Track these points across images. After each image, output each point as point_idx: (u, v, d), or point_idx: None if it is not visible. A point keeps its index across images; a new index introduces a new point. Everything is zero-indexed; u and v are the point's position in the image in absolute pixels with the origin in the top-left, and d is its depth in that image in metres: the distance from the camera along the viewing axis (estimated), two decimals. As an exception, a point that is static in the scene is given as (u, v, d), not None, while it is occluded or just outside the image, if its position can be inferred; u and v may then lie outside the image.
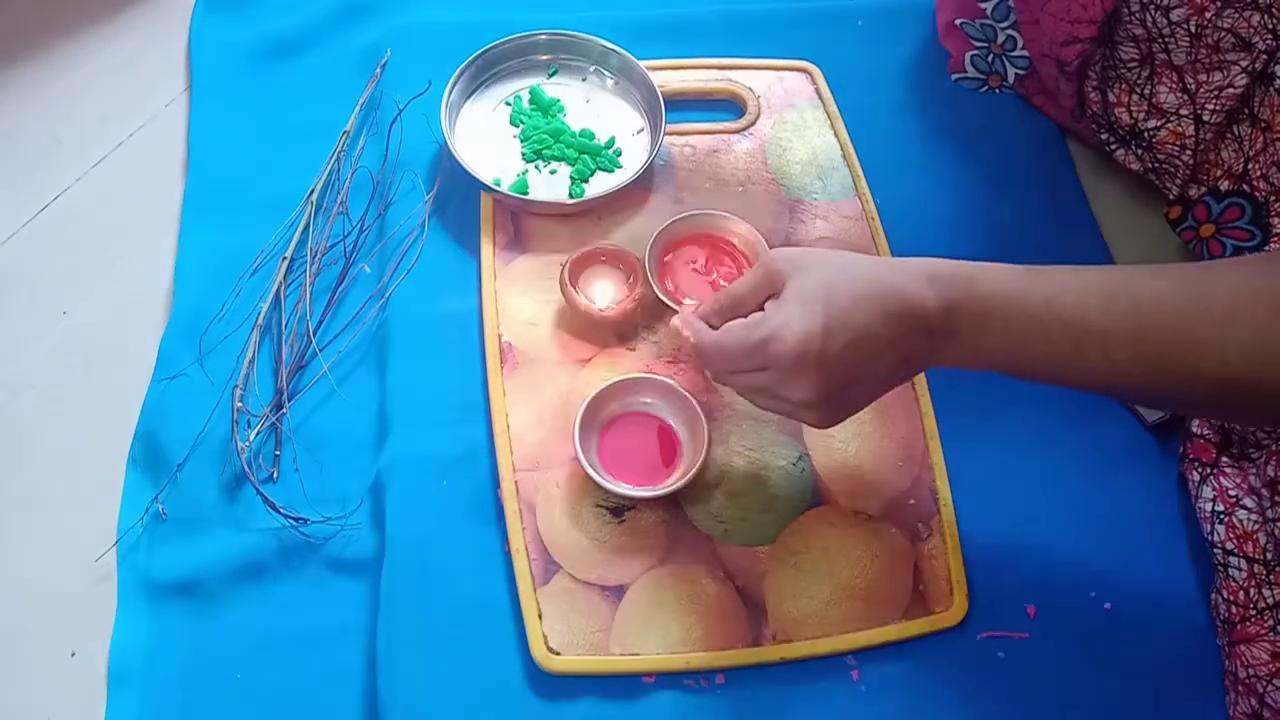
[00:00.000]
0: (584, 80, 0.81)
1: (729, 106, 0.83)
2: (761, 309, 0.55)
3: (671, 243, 0.72)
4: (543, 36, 0.80)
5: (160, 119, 0.82)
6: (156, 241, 0.75)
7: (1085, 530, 0.66)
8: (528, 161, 0.76)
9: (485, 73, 0.80)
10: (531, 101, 0.79)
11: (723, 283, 0.71)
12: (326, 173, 0.76)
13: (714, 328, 0.58)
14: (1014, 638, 0.62)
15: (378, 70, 0.81)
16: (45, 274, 0.74)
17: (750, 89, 0.82)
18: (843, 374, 0.53)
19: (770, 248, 0.73)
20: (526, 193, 0.74)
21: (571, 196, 0.74)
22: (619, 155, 0.77)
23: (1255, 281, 0.48)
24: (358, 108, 0.79)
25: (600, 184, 0.75)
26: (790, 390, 0.53)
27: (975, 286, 0.51)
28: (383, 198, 0.76)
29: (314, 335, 0.69)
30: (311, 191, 0.75)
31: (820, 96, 0.83)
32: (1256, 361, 0.46)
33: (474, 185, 0.74)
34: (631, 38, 0.81)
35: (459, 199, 0.75)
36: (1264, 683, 0.57)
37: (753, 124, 0.81)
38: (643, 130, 0.78)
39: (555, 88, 0.80)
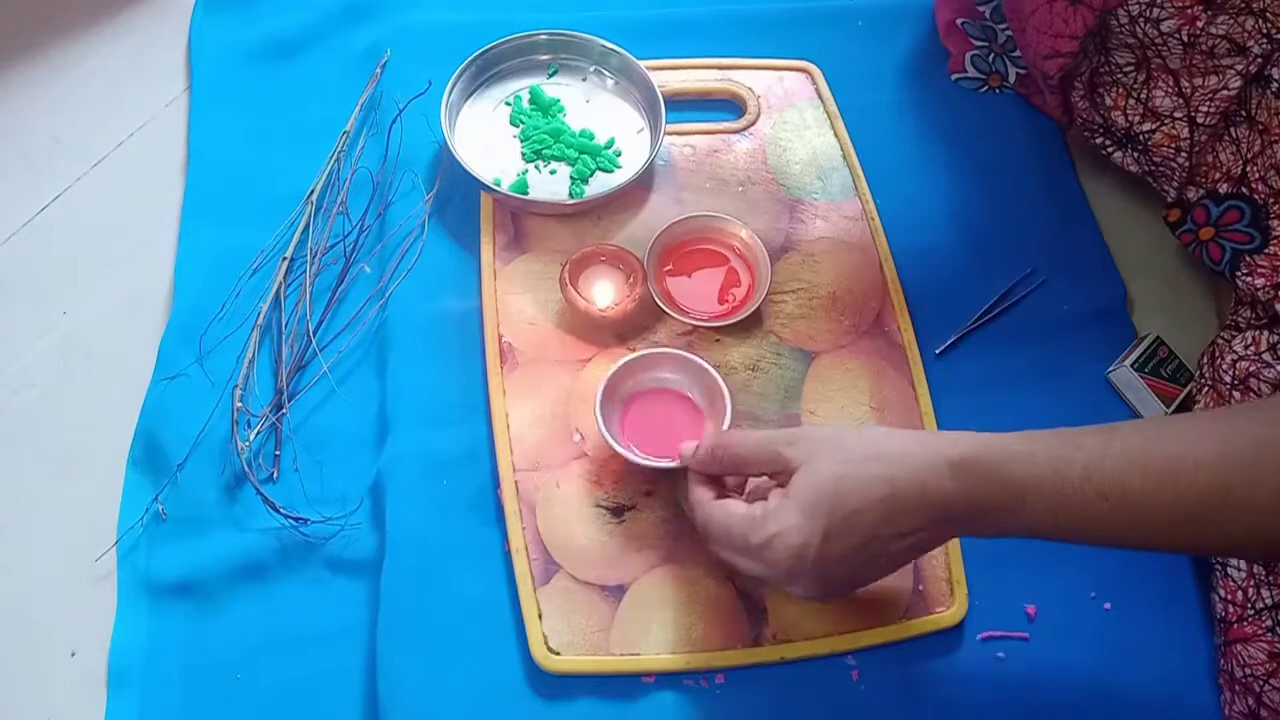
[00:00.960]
0: (584, 80, 0.81)
1: (729, 106, 0.83)
2: (766, 485, 0.55)
3: (672, 246, 0.72)
4: (543, 36, 0.80)
5: (160, 119, 0.82)
6: (156, 241, 0.75)
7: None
8: (527, 161, 0.76)
9: (485, 73, 0.79)
10: (531, 101, 0.79)
11: (731, 293, 0.71)
12: (326, 173, 0.76)
13: (714, 474, 0.58)
14: (1014, 638, 0.62)
15: (378, 70, 0.81)
16: (45, 274, 0.74)
17: (750, 89, 0.82)
18: (845, 572, 0.52)
19: (770, 249, 0.73)
20: (526, 193, 0.74)
21: (572, 196, 0.74)
22: (619, 155, 0.77)
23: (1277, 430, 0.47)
24: (358, 108, 0.79)
25: (600, 184, 0.75)
26: (787, 585, 0.54)
27: (1003, 472, 0.49)
28: (383, 198, 0.76)
29: (314, 335, 0.69)
30: (311, 191, 0.75)
31: (820, 96, 0.83)
32: None
33: (474, 185, 0.74)
34: (631, 38, 0.81)
35: (459, 199, 0.75)
36: (1260, 682, 0.57)
37: (753, 124, 0.81)
38: (643, 130, 0.78)
39: (555, 88, 0.80)
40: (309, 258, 0.72)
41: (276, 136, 0.79)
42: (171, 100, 0.83)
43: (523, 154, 0.76)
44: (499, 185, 0.73)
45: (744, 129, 0.80)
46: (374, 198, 0.75)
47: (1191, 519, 0.48)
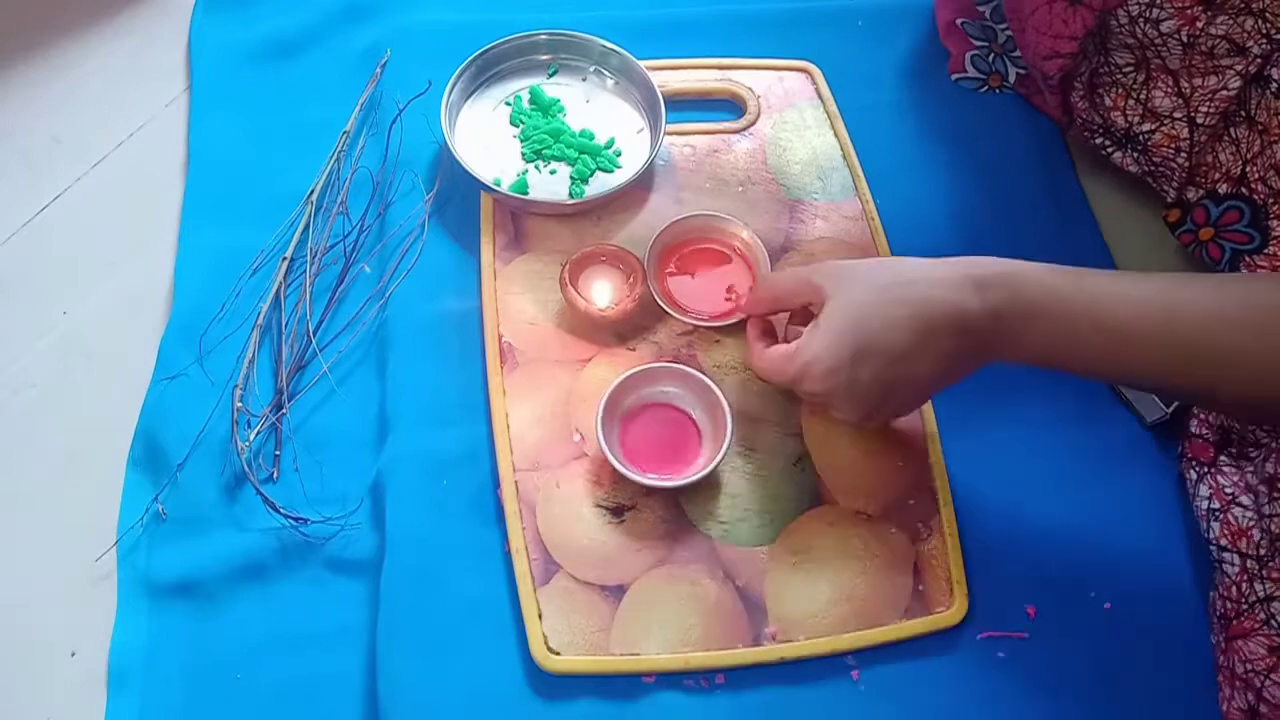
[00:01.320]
0: (584, 80, 0.81)
1: (729, 106, 0.83)
2: (802, 316, 0.61)
3: (672, 245, 0.72)
4: (543, 36, 0.80)
5: (160, 119, 0.82)
6: (156, 241, 0.75)
7: (1085, 531, 0.66)
8: (527, 161, 0.76)
9: (485, 73, 0.79)
10: (531, 101, 0.79)
11: (728, 296, 0.71)
12: (326, 173, 0.76)
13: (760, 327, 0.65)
14: (1014, 638, 0.62)
15: (378, 70, 0.81)
16: (45, 274, 0.74)
17: (750, 89, 0.82)
18: (879, 392, 0.56)
19: (770, 249, 0.73)
20: (526, 193, 0.74)
21: (571, 196, 0.74)
22: (619, 155, 0.77)
23: None
24: (358, 108, 0.79)
25: (600, 184, 0.75)
26: (831, 408, 0.61)
27: (1022, 290, 0.54)
28: (382, 198, 0.76)
29: (314, 335, 0.69)
30: (311, 191, 0.75)
31: (820, 96, 0.83)
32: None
33: (474, 185, 0.74)
34: (631, 38, 0.81)
35: (459, 199, 0.75)
36: (1261, 677, 0.57)
37: (753, 124, 0.81)
38: (643, 130, 0.78)
39: (555, 88, 0.80)
40: (309, 258, 0.72)
41: (276, 136, 0.79)
42: (171, 100, 0.83)
43: (523, 154, 0.76)
44: (499, 185, 0.73)
45: (744, 129, 0.80)
46: (374, 198, 0.75)
47: (1180, 364, 0.53)
